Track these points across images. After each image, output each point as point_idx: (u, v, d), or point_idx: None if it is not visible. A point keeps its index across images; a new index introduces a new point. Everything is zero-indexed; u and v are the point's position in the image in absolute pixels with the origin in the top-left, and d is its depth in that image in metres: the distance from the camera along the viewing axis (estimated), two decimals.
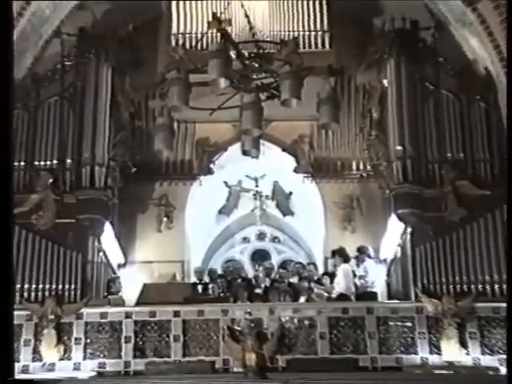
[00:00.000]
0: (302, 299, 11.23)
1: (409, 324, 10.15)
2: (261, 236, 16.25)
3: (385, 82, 12.10)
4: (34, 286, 10.52)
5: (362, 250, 11.63)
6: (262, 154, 7.61)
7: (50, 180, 11.18)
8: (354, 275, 11.25)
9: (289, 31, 13.33)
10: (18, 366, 9.67)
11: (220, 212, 15.50)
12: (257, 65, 7.04)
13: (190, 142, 13.73)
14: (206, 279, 12.42)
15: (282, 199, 15.29)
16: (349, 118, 13.39)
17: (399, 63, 11.80)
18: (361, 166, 13.43)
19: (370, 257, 11.68)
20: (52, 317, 10.11)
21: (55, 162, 11.48)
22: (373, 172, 13.10)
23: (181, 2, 13.29)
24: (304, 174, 13.75)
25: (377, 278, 11.51)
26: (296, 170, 13.81)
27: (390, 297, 11.79)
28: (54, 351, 10.01)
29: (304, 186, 13.95)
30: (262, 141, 7.54)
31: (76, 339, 10.14)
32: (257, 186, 15.17)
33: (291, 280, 11.98)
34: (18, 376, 9.43)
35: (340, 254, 11.29)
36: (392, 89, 11.80)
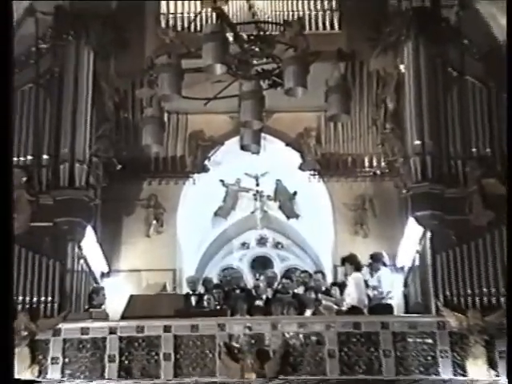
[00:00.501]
0: (309, 312, 11.23)
1: (429, 341, 10.13)
2: (262, 241, 16.30)
3: (401, 67, 12.13)
4: None
5: (375, 258, 11.60)
6: (263, 150, 7.59)
7: (24, 178, 11.19)
8: (367, 285, 11.22)
9: (293, 11, 13.40)
10: None
11: (216, 214, 15.51)
12: (257, 49, 7.02)
13: (182, 136, 13.73)
14: (201, 290, 12.44)
15: (286, 200, 15.31)
16: (361, 108, 13.37)
17: (418, 46, 11.83)
18: (374, 163, 13.42)
19: (384, 265, 11.64)
20: (25, 333, 10.10)
21: (30, 158, 11.50)
22: (388, 169, 13.14)
23: None
24: (310, 172, 13.74)
25: (393, 288, 11.47)
26: (301, 168, 13.81)
27: (407, 310, 11.77)
28: (28, 372, 9.99)
29: (310, 186, 13.94)
30: (263, 134, 7.51)
31: (53, 359, 10.12)
32: (257, 185, 15.20)
33: (296, 291, 12.01)
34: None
35: (351, 262, 11.26)
36: (410, 75, 11.82)
